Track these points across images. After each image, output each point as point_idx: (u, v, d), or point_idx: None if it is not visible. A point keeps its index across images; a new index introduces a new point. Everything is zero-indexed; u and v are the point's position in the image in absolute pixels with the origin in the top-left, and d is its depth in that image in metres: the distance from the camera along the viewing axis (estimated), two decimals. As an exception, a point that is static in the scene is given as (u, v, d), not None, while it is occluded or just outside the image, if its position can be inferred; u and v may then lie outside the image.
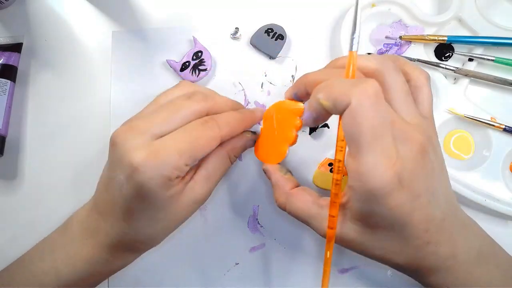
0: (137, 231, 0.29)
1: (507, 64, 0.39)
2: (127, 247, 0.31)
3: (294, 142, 0.30)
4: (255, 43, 0.42)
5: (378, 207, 0.23)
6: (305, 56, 0.43)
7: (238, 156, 0.33)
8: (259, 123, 0.35)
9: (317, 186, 0.39)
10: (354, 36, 0.25)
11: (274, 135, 0.31)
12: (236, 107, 0.33)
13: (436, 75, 0.40)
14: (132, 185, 0.26)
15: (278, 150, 0.31)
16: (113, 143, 0.28)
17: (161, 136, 0.27)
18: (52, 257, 0.31)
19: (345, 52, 0.40)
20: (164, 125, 0.28)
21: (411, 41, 0.41)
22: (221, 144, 0.30)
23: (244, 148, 0.33)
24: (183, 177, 0.29)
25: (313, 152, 0.41)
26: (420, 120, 0.25)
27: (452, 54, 0.41)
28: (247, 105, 0.42)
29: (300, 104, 0.29)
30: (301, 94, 0.29)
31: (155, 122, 0.28)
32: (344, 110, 0.22)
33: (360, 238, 0.26)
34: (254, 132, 0.34)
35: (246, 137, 0.33)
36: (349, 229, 0.26)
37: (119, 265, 0.32)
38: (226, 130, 0.30)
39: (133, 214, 0.28)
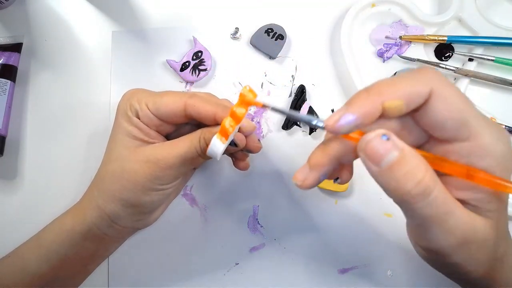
0: (98, 170, 0.33)
1: (507, 64, 0.39)
2: (89, 194, 0.33)
3: (222, 130, 0.27)
4: (255, 43, 0.42)
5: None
6: (305, 56, 0.43)
7: (208, 143, 0.29)
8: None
9: (317, 186, 0.39)
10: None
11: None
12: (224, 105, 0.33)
13: (436, 75, 0.40)
14: (116, 111, 0.33)
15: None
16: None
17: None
18: (60, 221, 0.34)
19: (344, 52, 0.40)
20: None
21: (411, 41, 0.41)
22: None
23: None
24: (150, 138, 0.32)
25: (313, 152, 0.41)
26: None
27: (452, 54, 0.41)
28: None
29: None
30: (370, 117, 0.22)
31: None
32: (421, 103, 0.21)
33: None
34: (236, 145, 0.31)
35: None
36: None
37: (107, 231, 0.33)
38: (193, 101, 0.31)
39: (105, 150, 0.33)
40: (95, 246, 0.33)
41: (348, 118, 0.21)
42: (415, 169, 0.20)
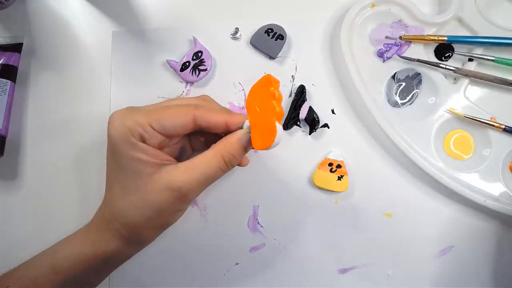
0: (113, 203, 0.31)
1: (507, 64, 0.39)
2: (108, 226, 0.31)
3: (279, 113, 0.27)
4: (255, 43, 0.42)
5: None
6: (305, 56, 0.43)
7: (235, 154, 0.30)
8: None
9: (317, 186, 0.39)
10: None
11: (260, 117, 0.29)
12: (228, 110, 0.33)
13: (436, 75, 0.40)
14: (108, 140, 0.30)
15: (268, 127, 0.28)
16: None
17: None
18: (74, 242, 0.32)
19: (344, 52, 0.40)
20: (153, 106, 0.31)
21: (411, 41, 0.41)
22: (215, 144, 0.30)
23: (240, 145, 0.30)
24: (161, 159, 0.30)
25: (313, 152, 0.41)
26: None
27: (452, 54, 0.41)
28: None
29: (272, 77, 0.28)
30: None
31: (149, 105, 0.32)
32: None
33: None
34: None
35: (241, 131, 0.30)
36: None
37: (107, 250, 0.32)
38: (201, 112, 0.30)
39: (110, 179, 0.31)
40: (116, 266, 0.34)
41: None
42: None
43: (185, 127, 0.30)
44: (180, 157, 0.35)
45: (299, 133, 0.41)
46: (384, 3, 0.41)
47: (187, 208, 0.33)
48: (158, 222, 0.31)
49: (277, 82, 0.28)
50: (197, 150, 0.36)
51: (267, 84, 0.28)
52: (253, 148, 0.30)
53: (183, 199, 0.29)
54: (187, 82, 0.42)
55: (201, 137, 0.35)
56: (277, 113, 0.27)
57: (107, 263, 0.32)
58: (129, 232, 0.31)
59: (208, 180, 0.30)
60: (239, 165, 0.34)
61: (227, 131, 0.31)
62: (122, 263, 0.34)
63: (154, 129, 0.29)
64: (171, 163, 0.30)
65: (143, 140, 0.29)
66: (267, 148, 0.28)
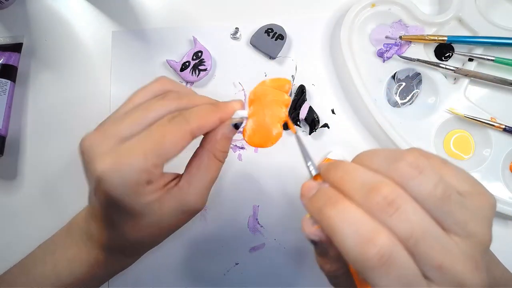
0: (125, 237, 0.28)
1: (507, 64, 0.39)
2: (121, 251, 0.30)
3: (285, 119, 0.29)
4: (255, 43, 0.42)
5: None
6: (305, 56, 0.43)
7: (225, 151, 0.29)
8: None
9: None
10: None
11: (264, 117, 0.29)
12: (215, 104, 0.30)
13: (436, 75, 0.40)
14: (100, 196, 0.25)
15: (271, 131, 0.29)
16: (81, 151, 0.26)
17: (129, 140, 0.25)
18: (53, 260, 0.31)
19: (344, 52, 0.40)
20: (134, 127, 0.25)
21: (411, 41, 0.41)
22: (201, 144, 0.29)
23: (227, 139, 0.29)
24: (165, 184, 0.27)
25: (313, 152, 0.41)
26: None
27: (452, 54, 0.41)
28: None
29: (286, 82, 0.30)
30: None
31: (124, 125, 0.26)
32: None
33: None
34: (239, 124, 0.29)
35: (223, 125, 0.28)
36: None
37: (117, 268, 0.32)
38: (195, 123, 0.26)
39: (114, 221, 0.27)
40: (119, 271, 0.33)
41: None
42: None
43: (186, 145, 0.27)
44: None
45: (299, 133, 0.41)
46: (384, 3, 0.42)
47: None
48: (162, 237, 0.30)
49: (290, 87, 0.29)
50: None
51: (282, 87, 0.29)
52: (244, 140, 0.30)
53: (196, 213, 0.29)
54: (187, 82, 0.42)
55: None
56: (283, 119, 0.29)
57: (112, 273, 0.31)
58: (139, 254, 0.31)
59: (212, 183, 0.29)
60: None
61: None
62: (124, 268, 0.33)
63: (158, 166, 0.25)
64: (173, 182, 0.28)
65: (150, 182, 0.26)
66: (262, 147, 0.29)
